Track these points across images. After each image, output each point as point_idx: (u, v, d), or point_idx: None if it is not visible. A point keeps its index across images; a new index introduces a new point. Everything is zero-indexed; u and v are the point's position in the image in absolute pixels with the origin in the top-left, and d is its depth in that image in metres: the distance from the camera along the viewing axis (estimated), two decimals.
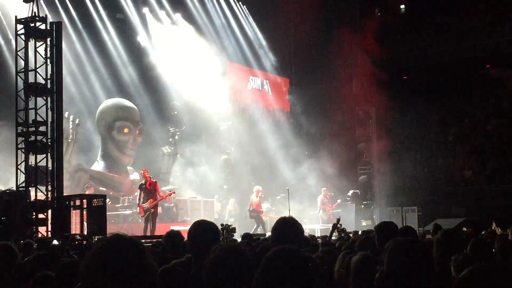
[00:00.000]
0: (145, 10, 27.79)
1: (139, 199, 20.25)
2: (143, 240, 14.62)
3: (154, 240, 13.86)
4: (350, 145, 30.70)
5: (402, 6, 33.51)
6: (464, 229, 18.89)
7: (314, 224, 24.68)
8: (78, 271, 2.44)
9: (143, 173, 20.66)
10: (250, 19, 31.30)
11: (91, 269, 2.40)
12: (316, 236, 15.61)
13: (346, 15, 29.49)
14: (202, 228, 4.85)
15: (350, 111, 30.84)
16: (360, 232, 13.55)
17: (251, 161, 29.12)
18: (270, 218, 25.36)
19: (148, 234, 19.07)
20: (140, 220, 20.91)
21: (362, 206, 28.89)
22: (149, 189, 20.15)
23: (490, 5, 31.07)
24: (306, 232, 13.53)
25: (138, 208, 20.43)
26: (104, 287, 2.36)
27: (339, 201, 27.16)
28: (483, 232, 13.31)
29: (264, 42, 31.44)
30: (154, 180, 20.76)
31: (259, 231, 22.53)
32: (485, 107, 31.53)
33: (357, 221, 27.41)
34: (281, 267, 3.09)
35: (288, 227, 4.93)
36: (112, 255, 2.42)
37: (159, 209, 23.86)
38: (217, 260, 3.46)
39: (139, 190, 20.54)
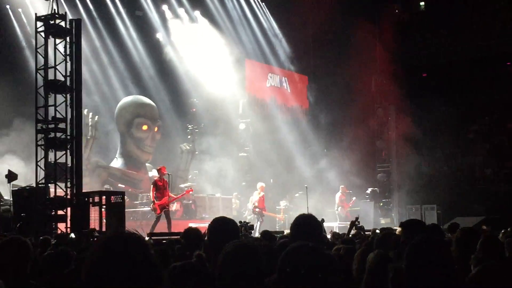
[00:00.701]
0: (164, 7, 27.86)
1: (153, 197, 19.90)
2: (166, 237, 14.64)
3: (173, 237, 13.86)
4: (369, 142, 30.59)
5: (422, 3, 33.29)
6: (484, 227, 18.74)
7: (332, 221, 24.59)
8: (82, 267, 2.43)
9: (163, 169, 20.35)
10: (269, 16, 31.26)
11: (93, 264, 2.39)
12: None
13: (365, 13, 29.33)
14: (222, 225, 4.84)
15: (368, 108, 30.74)
16: (378, 230, 13.47)
17: (270, 158, 29.09)
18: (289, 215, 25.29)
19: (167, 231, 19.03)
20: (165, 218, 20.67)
21: (381, 204, 28.80)
22: (164, 186, 20.02)
23: None
24: (327, 230, 13.51)
25: (153, 205, 19.98)
26: (105, 282, 2.34)
27: (354, 198, 26.95)
28: (503, 231, 13.18)
29: (282, 39, 31.37)
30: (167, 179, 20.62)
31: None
32: (505, 105, 31.26)
33: (376, 219, 27.30)
34: (298, 264, 3.07)
35: (307, 224, 4.91)
36: (114, 251, 2.40)
37: (178, 206, 23.94)
38: (228, 257, 3.44)
39: (152, 187, 20.19)
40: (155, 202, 19.62)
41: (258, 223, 23.22)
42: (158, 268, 2.45)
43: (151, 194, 20.16)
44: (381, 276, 4.73)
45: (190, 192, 23.28)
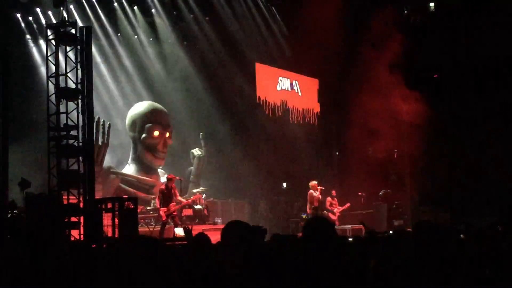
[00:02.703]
0: (175, 13, 27.94)
1: (159, 204, 20.34)
2: (178, 242, 14.68)
3: (183, 242, 13.87)
4: (381, 144, 30.52)
5: (432, 4, 33.22)
6: (498, 228, 18.63)
7: (345, 224, 24.54)
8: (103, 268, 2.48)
9: (173, 178, 20.63)
10: (279, 20, 31.27)
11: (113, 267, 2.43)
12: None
13: (374, 15, 29.27)
14: (235, 229, 4.87)
15: (381, 110, 30.64)
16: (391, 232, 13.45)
17: (282, 162, 29.10)
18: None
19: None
20: (172, 223, 20.87)
21: (394, 206, 28.70)
22: (171, 193, 20.26)
23: None
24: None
25: (158, 212, 20.45)
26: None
27: (348, 204, 26.05)
28: None
29: (293, 42, 31.31)
30: (174, 184, 20.81)
31: None
32: None
33: (389, 221, 27.24)
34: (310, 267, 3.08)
35: (319, 226, 4.92)
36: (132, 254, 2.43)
37: (190, 211, 24.01)
38: (247, 259, 3.47)
39: (158, 194, 20.54)
40: (160, 208, 20.02)
41: None
42: (174, 269, 2.49)
43: (156, 201, 20.59)
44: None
45: (202, 197, 23.45)
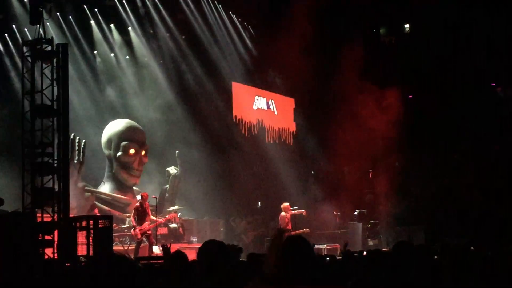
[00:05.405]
0: (152, 31, 27.97)
1: (134, 222, 20.42)
2: (154, 261, 14.61)
3: (159, 261, 13.84)
4: (356, 164, 30.66)
5: (407, 26, 33.58)
6: (472, 248, 18.75)
7: (321, 244, 24.57)
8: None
9: (145, 196, 20.79)
10: (255, 39, 31.37)
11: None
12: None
13: (350, 37, 29.52)
14: (212, 248, 4.86)
15: (356, 130, 30.82)
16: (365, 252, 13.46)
17: (258, 181, 29.11)
18: None
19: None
20: (147, 242, 20.83)
21: (369, 225, 28.78)
22: (146, 212, 20.36)
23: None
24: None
25: (134, 230, 20.50)
26: None
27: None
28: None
29: (269, 62, 31.42)
30: (148, 203, 20.91)
31: None
32: (491, 126, 31.42)
33: (364, 240, 27.31)
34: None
35: (296, 247, 4.91)
36: (101, 272, 2.44)
37: (166, 230, 23.93)
38: (228, 277, 3.47)
39: (133, 212, 20.64)
40: (136, 227, 20.10)
41: None
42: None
43: (131, 219, 20.69)
44: None
45: (177, 216, 23.49)
